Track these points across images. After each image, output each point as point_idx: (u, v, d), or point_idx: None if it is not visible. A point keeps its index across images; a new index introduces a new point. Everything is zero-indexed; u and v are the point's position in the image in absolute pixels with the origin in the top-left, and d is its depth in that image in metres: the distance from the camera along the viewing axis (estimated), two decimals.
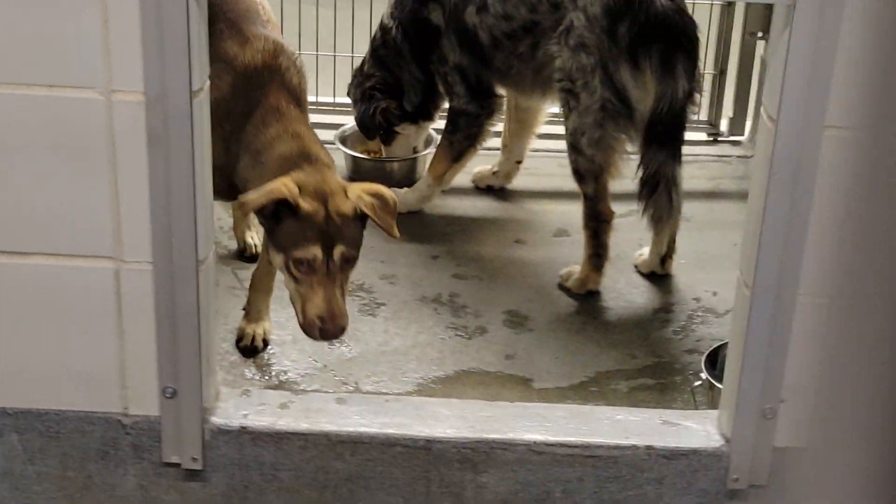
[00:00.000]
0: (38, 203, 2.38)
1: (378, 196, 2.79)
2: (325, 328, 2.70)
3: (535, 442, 2.56)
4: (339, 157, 4.18)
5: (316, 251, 2.69)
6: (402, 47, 3.93)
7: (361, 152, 4.24)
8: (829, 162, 2.31)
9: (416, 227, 3.94)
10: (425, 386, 3.20)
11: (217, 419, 2.56)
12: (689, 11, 3.47)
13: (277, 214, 2.69)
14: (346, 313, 2.74)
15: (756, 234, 2.38)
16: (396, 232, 2.79)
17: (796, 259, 2.37)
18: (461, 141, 3.93)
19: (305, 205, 2.69)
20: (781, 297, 2.39)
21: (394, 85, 4.00)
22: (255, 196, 2.68)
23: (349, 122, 4.26)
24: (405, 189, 4.03)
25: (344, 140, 4.24)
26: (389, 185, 4.01)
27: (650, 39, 3.37)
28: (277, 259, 2.75)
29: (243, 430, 2.55)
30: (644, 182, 3.51)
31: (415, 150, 4.22)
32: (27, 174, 2.36)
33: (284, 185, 2.68)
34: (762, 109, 2.38)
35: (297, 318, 2.76)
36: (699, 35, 3.47)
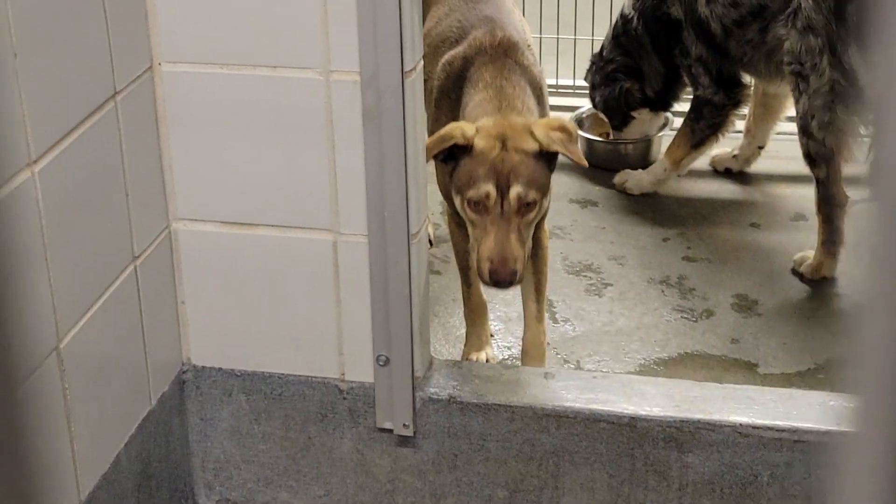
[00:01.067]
0: (262, 177, 2.52)
1: (563, 129, 2.68)
2: (494, 270, 2.59)
3: (741, 424, 2.54)
4: None
5: (488, 189, 2.60)
6: (643, 39, 3.95)
7: (598, 135, 4.27)
8: None
9: (649, 208, 3.94)
10: (647, 367, 3.21)
11: (428, 388, 2.65)
12: None
13: (455, 157, 2.65)
14: (520, 258, 2.60)
15: None
16: (584, 160, 2.71)
17: None
18: (704, 129, 3.90)
19: (480, 142, 2.61)
20: None
21: (635, 70, 4.02)
22: (430, 140, 2.64)
23: (586, 104, 4.29)
24: (640, 171, 4.04)
25: (580, 123, 4.28)
26: (624, 167, 4.08)
27: None
28: (457, 201, 2.68)
29: (452, 400, 2.63)
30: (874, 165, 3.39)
31: (656, 131, 4.22)
32: (253, 150, 2.51)
33: (457, 127, 2.64)
34: None
35: (472, 262, 2.71)
36: None
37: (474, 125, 2.66)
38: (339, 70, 2.41)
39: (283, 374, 2.69)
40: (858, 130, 3.43)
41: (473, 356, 3.11)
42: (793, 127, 4.11)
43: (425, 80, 3.03)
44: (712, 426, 2.56)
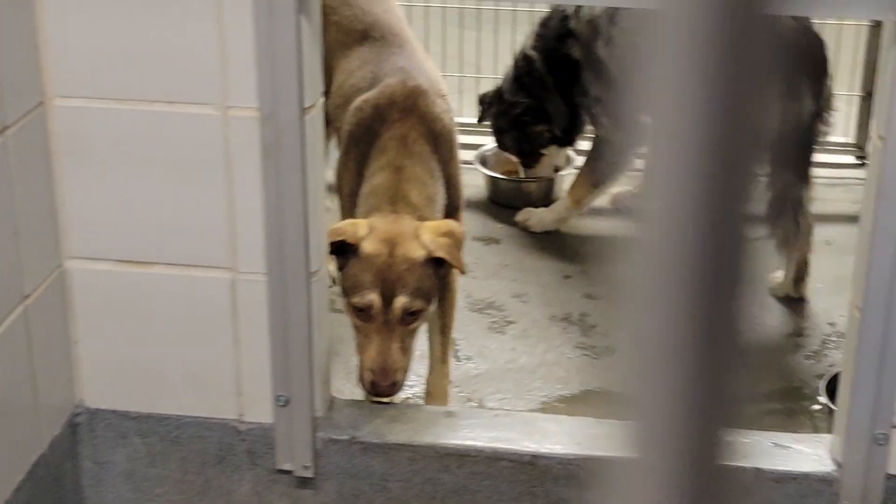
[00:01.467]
0: (159, 214, 2.48)
1: (450, 234, 2.65)
2: (375, 382, 2.59)
3: None
4: (479, 177, 4.23)
5: (373, 298, 2.57)
6: (547, 80, 3.98)
7: (501, 174, 4.28)
8: None
9: (551, 246, 3.95)
10: (549, 404, 3.20)
11: (328, 429, 2.62)
12: (817, 31, 3.41)
13: (345, 254, 2.63)
14: (401, 368, 2.60)
15: (866, 255, 2.33)
16: (464, 267, 2.70)
17: None
18: (604, 168, 3.93)
19: (367, 246, 2.59)
20: (892, 319, 2.33)
21: (540, 111, 4.04)
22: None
23: (489, 142, 4.31)
24: (542, 209, 4.05)
25: (484, 161, 4.29)
26: (527, 204, 4.09)
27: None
28: (343, 303, 2.67)
29: (353, 440, 2.60)
30: (770, 204, 3.46)
31: (556, 169, 4.24)
32: (149, 187, 2.46)
33: (350, 224, 2.64)
34: (872, 128, 2.33)
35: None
36: (827, 55, 3.41)
37: (367, 224, 2.64)
38: (238, 106, 2.38)
39: (180, 415, 2.64)
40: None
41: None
42: None
43: (336, 129, 3.02)
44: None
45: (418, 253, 2.60)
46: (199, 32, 2.33)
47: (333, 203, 3.38)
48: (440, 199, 2.82)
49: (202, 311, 2.54)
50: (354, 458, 2.61)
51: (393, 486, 2.63)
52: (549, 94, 4.00)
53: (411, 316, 2.60)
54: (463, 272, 2.70)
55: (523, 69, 4.03)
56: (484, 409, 3.11)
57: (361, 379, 2.63)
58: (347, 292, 2.63)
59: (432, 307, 2.68)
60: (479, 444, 2.60)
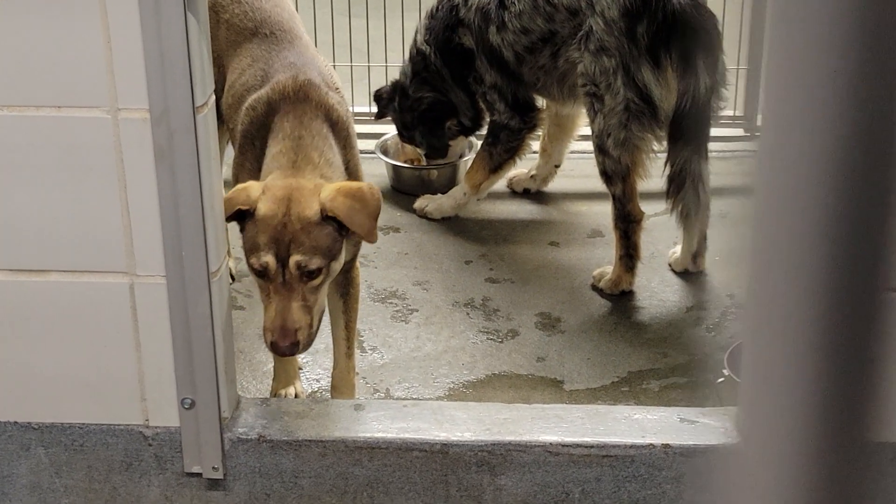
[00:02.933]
0: (51, 221, 2.43)
1: (354, 195, 2.57)
2: (275, 342, 2.54)
3: (551, 443, 2.57)
4: (381, 166, 4.22)
5: (268, 259, 2.53)
6: (444, 72, 3.97)
7: (403, 161, 4.27)
8: None
9: (451, 232, 3.96)
10: (456, 390, 3.21)
11: (236, 429, 2.59)
12: (709, 6, 3.45)
13: (242, 217, 2.58)
14: (302, 327, 2.54)
15: None
16: (373, 236, 2.59)
17: None
18: (501, 153, 3.94)
19: (262, 207, 2.54)
20: None
21: (446, 104, 4.04)
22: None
23: (389, 131, 4.30)
24: (440, 195, 4.06)
25: (385, 150, 4.28)
26: (430, 192, 4.09)
27: (669, 37, 3.36)
28: (248, 265, 2.62)
29: (262, 439, 2.58)
30: (671, 179, 3.51)
31: (461, 156, 4.26)
32: (40, 193, 2.41)
33: (242, 190, 2.58)
34: (761, 101, 2.37)
35: None
36: (720, 29, 3.46)
37: (261, 186, 2.58)
38: (128, 108, 2.34)
39: (83, 423, 2.60)
40: (652, 148, 3.52)
41: (282, 392, 3.05)
42: (586, 146, 4.21)
43: (230, 129, 2.97)
44: (523, 447, 2.57)
45: (312, 211, 2.54)
46: (83, 34, 2.28)
47: None
48: (341, 174, 2.77)
49: (101, 316, 2.50)
50: (264, 456, 2.59)
51: (304, 483, 2.61)
52: (449, 87, 4.00)
53: (311, 274, 2.54)
54: (368, 240, 2.61)
55: (420, 64, 4.02)
56: (392, 399, 3.10)
57: (264, 338, 2.58)
58: (247, 254, 2.58)
59: (336, 265, 2.61)
60: (389, 435, 2.59)
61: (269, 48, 2.99)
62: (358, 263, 2.95)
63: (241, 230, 2.62)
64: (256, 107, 2.81)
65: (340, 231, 2.59)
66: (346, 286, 2.89)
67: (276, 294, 2.55)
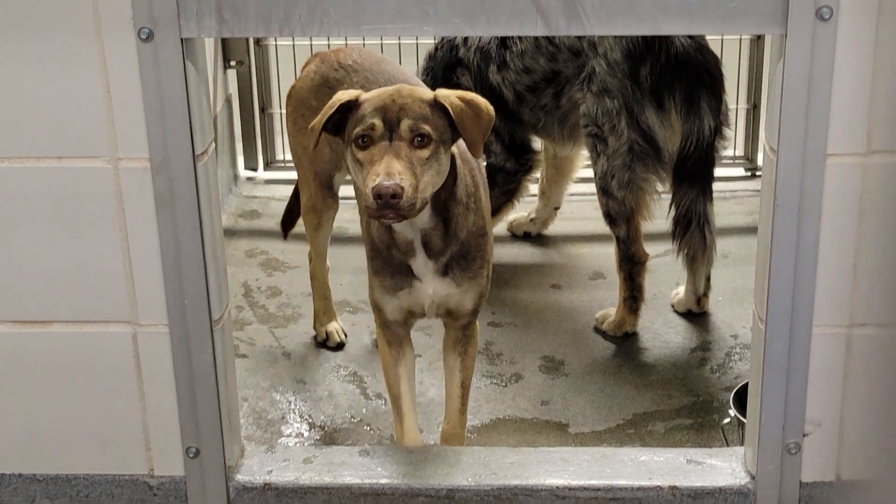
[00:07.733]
0: (53, 272, 2.43)
1: (469, 102, 2.46)
2: (377, 188, 2.32)
3: (558, 486, 2.55)
4: None
5: (374, 120, 2.40)
6: None
7: None
8: (834, 190, 2.29)
9: None
10: None
11: (241, 476, 2.58)
12: (711, 48, 3.46)
13: (344, 125, 2.49)
14: (410, 181, 2.34)
15: (765, 267, 2.36)
16: (479, 149, 2.44)
17: (808, 290, 2.34)
18: (499, 196, 3.94)
19: (367, 95, 2.47)
20: (795, 329, 2.36)
21: None
22: (315, 120, 2.51)
23: None
24: None
25: None
26: None
27: (672, 79, 3.37)
28: (348, 156, 2.47)
29: (268, 487, 2.57)
30: (676, 221, 3.51)
31: None
32: (42, 244, 2.41)
33: (341, 92, 2.52)
34: (763, 140, 2.37)
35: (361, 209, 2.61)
36: (722, 71, 3.46)
37: (364, 92, 2.52)
38: (128, 157, 2.34)
39: (88, 474, 2.59)
40: (656, 189, 3.52)
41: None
42: (585, 188, 4.21)
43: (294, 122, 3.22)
44: (530, 491, 2.56)
45: (426, 93, 2.46)
46: (83, 85, 2.29)
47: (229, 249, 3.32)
48: None
49: (104, 366, 2.49)
50: None
51: None
52: None
53: (420, 140, 2.40)
54: (473, 151, 2.46)
55: None
56: (396, 446, 3.08)
57: (365, 198, 2.37)
58: (350, 137, 2.44)
59: (445, 150, 2.45)
60: (394, 481, 2.58)
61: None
62: (477, 322, 2.90)
63: (340, 134, 2.50)
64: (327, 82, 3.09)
65: (449, 128, 2.45)
66: (464, 344, 2.86)
67: (381, 154, 2.38)
